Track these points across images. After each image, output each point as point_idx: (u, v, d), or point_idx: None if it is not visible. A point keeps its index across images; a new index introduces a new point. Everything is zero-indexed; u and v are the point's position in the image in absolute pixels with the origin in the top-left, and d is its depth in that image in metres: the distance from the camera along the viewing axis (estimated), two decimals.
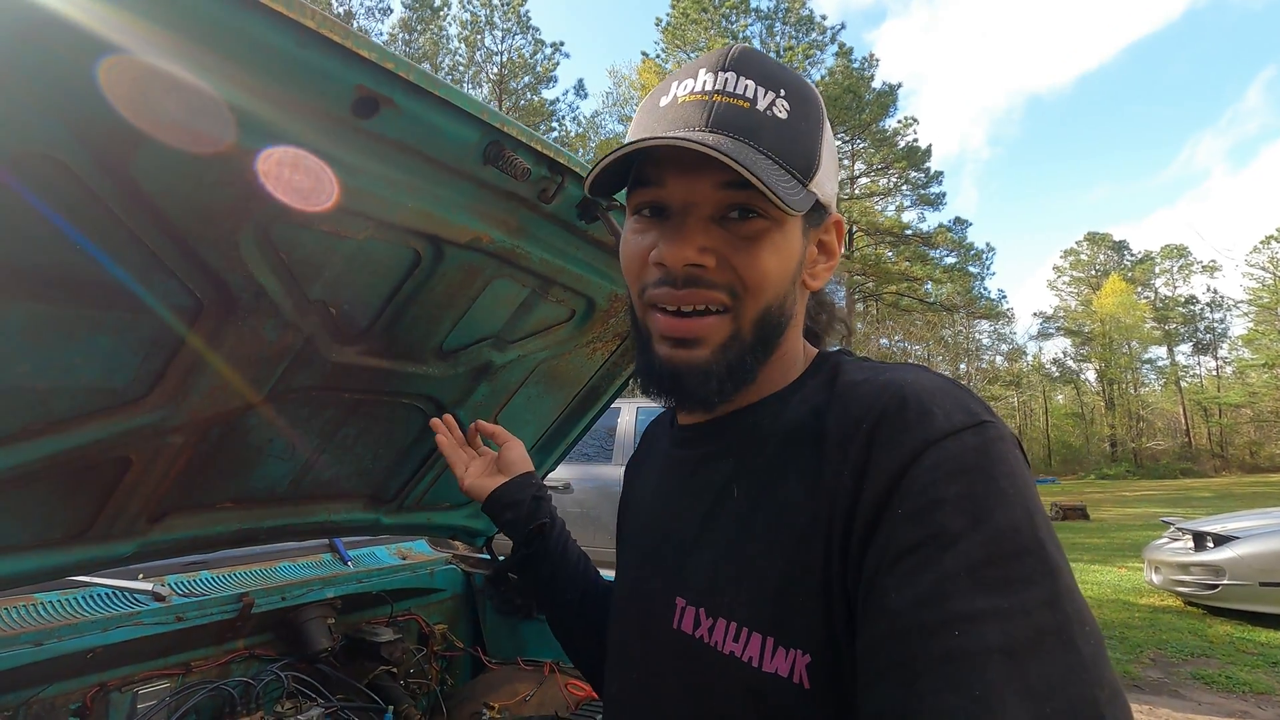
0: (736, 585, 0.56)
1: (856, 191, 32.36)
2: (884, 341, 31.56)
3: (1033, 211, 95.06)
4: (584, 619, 0.92)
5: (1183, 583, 5.80)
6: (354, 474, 1.41)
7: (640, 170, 0.60)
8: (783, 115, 0.57)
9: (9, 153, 0.64)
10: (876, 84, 28.63)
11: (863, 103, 28.47)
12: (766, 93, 0.57)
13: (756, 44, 24.68)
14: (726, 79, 0.57)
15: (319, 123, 0.77)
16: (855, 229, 31.19)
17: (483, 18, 27.92)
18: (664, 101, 0.59)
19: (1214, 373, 46.70)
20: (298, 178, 0.78)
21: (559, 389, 1.62)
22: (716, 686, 0.56)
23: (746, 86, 0.57)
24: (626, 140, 0.59)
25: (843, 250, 0.68)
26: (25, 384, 0.82)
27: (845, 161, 32.52)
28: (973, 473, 0.47)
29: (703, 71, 0.58)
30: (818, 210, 0.61)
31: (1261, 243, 35.72)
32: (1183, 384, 45.93)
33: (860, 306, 33.08)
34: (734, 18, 24.84)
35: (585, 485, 5.48)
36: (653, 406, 5.91)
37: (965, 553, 0.43)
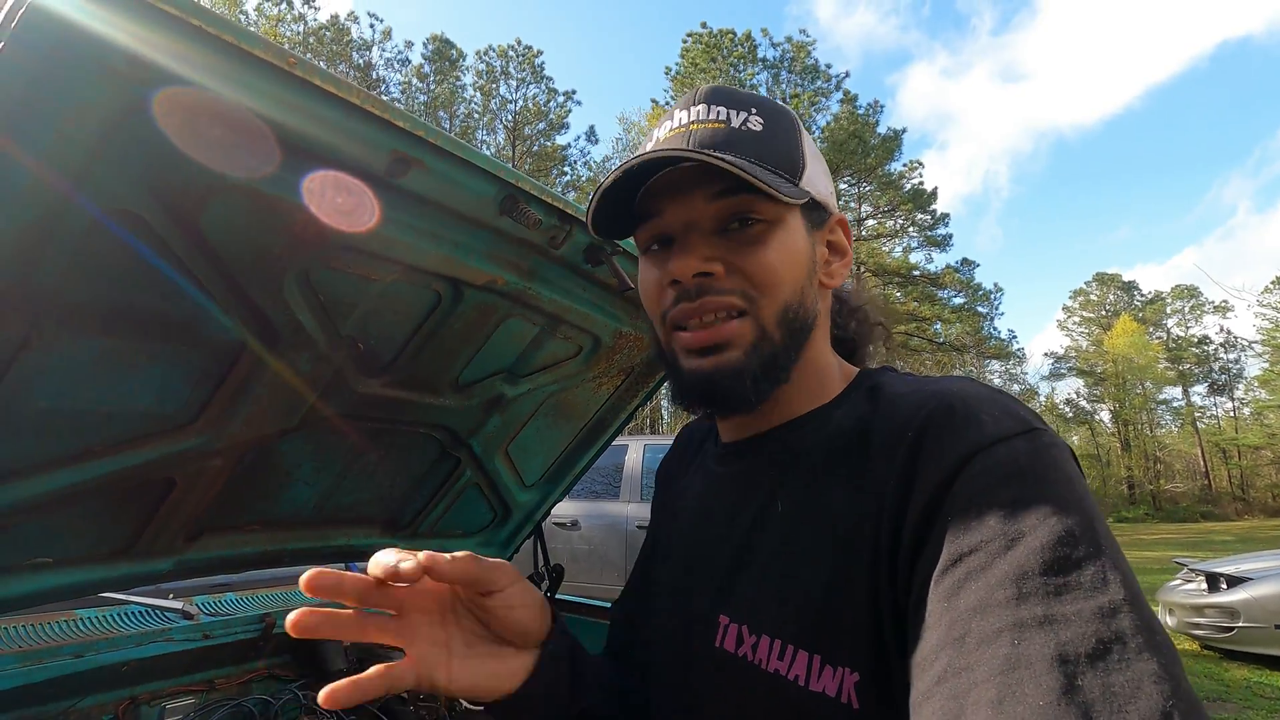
0: (781, 601, 0.55)
1: (864, 233, 32.68)
2: None
3: (1055, 251, 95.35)
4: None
5: (1198, 625, 5.69)
6: (373, 500, 1.50)
7: (640, 208, 0.63)
8: (758, 128, 0.60)
9: (100, 209, 0.76)
10: (894, 125, 29.17)
11: (868, 147, 28.99)
12: (739, 113, 0.61)
13: (763, 91, 25.38)
14: (699, 110, 0.61)
15: (359, 181, 0.89)
16: (863, 269, 31.43)
17: (498, 68, 28.93)
18: (648, 145, 0.63)
19: (1231, 414, 46.06)
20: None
21: (567, 421, 1.71)
22: (760, 707, 0.54)
23: (719, 112, 0.61)
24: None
25: (853, 246, 0.69)
26: (91, 409, 0.92)
27: (852, 205, 32.94)
28: (1026, 477, 0.45)
29: (678, 112, 0.63)
30: (817, 210, 0.63)
31: (1273, 283, 35.69)
32: (1200, 425, 45.24)
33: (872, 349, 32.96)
34: (741, 67, 25.62)
35: (593, 522, 5.51)
36: (661, 443, 5.98)
37: (1022, 558, 0.41)
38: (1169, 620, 6.13)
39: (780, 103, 0.65)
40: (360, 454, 1.35)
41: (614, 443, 1.90)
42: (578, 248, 1.21)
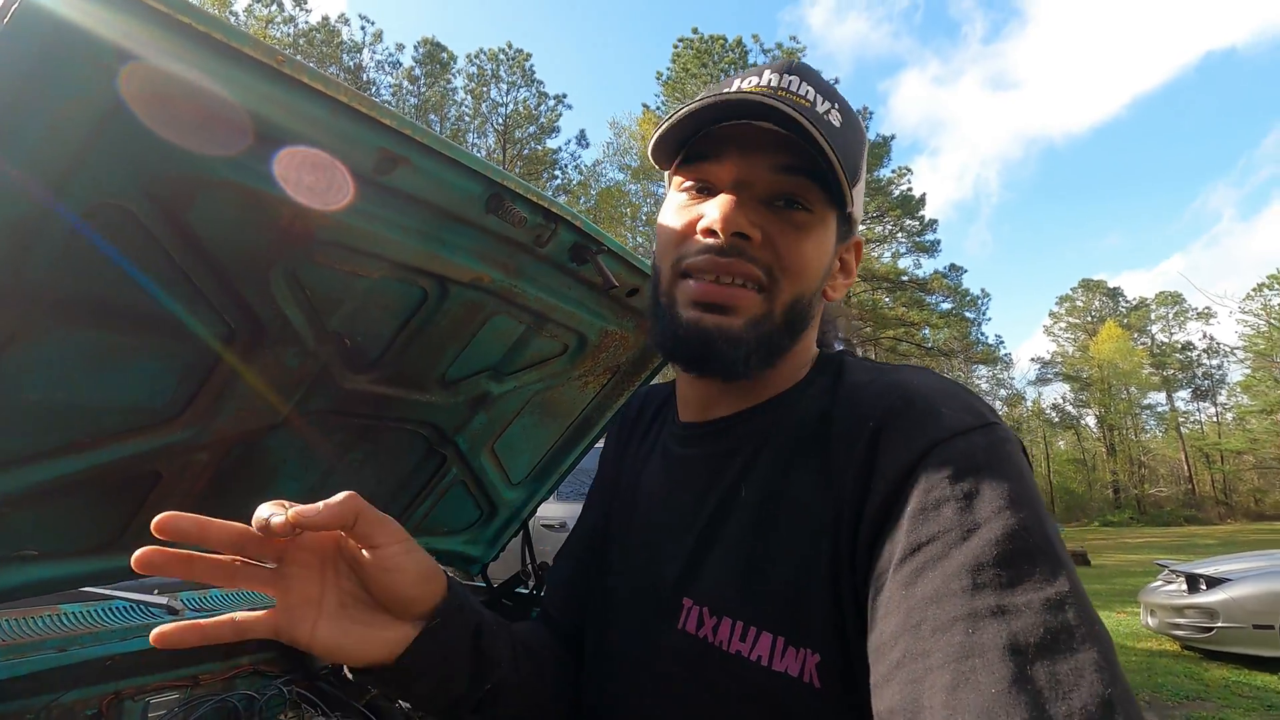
0: (746, 584, 0.56)
1: None
2: None
3: (1043, 257, 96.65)
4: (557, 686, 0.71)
5: (1178, 625, 5.78)
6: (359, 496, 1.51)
7: (699, 145, 0.60)
8: (837, 123, 0.60)
9: (88, 203, 0.77)
10: (883, 132, 29.41)
11: None
12: (824, 100, 0.60)
13: None
14: (790, 80, 0.59)
15: None
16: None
17: (489, 71, 28.96)
18: (728, 90, 0.60)
19: (1214, 419, 46.68)
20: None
21: (553, 419, 1.73)
22: (724, 687, 0.55)
23: (808, 91, 0.59)
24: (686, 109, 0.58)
25: (856, 270, 0.70)
26: (79, 402, 0.93)
27: None
28: (981, 472, 0.47)
29: (768, 71, 0.61)
30: (849, 224, 0.64)
31: (1254, 290, 36.25)
32: (1183, 430, 45.82)
33: (859, 352, 33.16)
34: (732, 72, 25.79)
35: None
36: None
37: (976, 550, 0.43)
38: (1150, 621, 6.21)
39: (853, 107, 0.64)
40: (347, 450, 1.36)
41: (603, 445, 1.93)
42: (563, 246, 1.23)
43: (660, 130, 0.61)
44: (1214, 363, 45.44)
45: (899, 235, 32.54)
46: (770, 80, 0.60)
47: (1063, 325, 50.15)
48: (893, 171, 32.65)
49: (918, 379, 0.56)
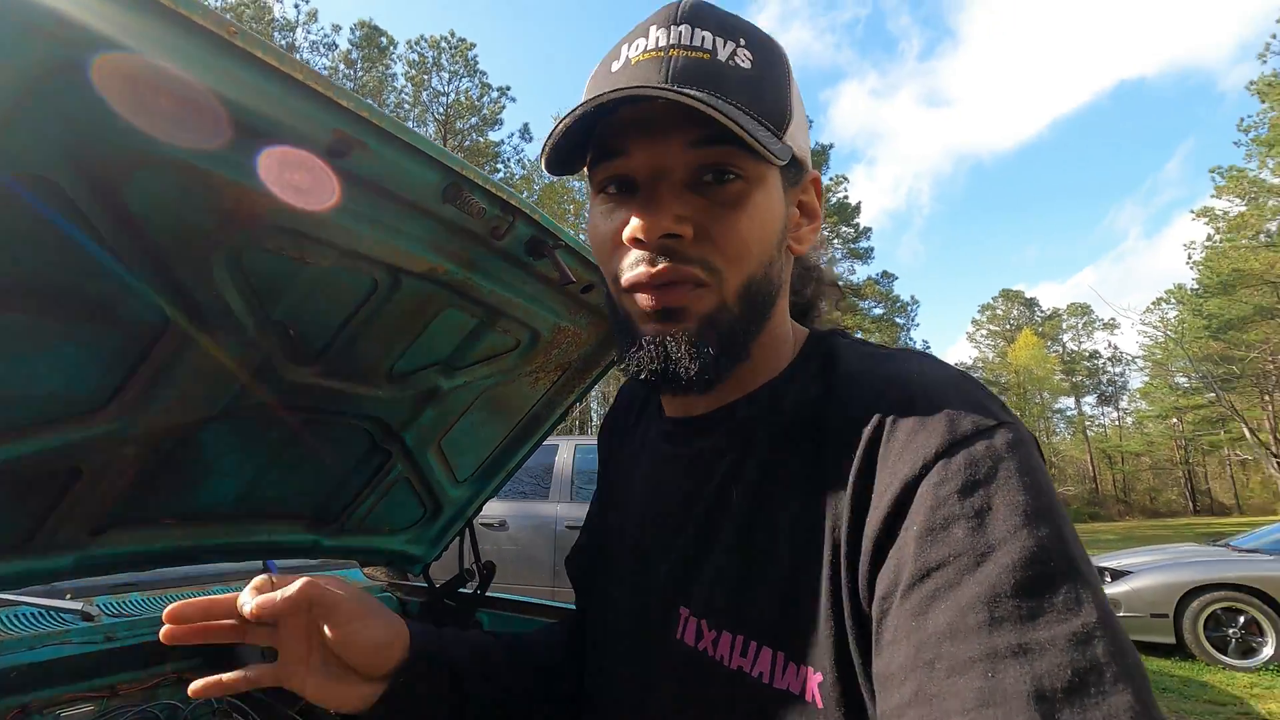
0: (741, 597, 0.53)
1: None
2: None
3: (969, 267, 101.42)
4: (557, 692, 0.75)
5: None
6: (298, 494, 1.44)
7: (601, 141, 0.55)
8: (746, 65, 0.53)
9: (9, 174, 0.71)
10: (822, 140, 30.18)
11: None
12: (726, 43, 0.53)
13: None
14: (680, 32, 0.52)
15: None
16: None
17: (430, 59, 28.22)
18: (615, 66, 0.54)
19: (1116, 423, 50.07)
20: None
21: (502, 416, 1.70)
22: (722, 702, 0.53)
23: (704, 38, 0.52)
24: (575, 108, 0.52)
25: (823, 210, 0.63)
26: None
27: None
28: (991, 485, 0.43)
29: (654, 29, 0.54)
30: (795, 167, 0.57)
31: (1154, 303, 39.06)
32: (1089, 433, 49.00)
33: None
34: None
35: (521, 523, 5.45)
36: (591, 443, 5.97)
37: (992, 578, 0.39)
38: None
39: (770, 35, 0.57)
40: (287, 445, 1.30)
41: (544, 442, 1.89)
42: (519, 240, 1.21)
43: (547, 149, 0.55)
44: (1117, 370, 48.84)
45: (835, 242, 33.49)
46: (659, 40, 0.53)
47: (984, 333, 52.79)
48: (830, 179, 33.60)
49: (918, 369, 0.52)
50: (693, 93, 0.49)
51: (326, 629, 0.58)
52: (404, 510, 1.74)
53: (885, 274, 34.87)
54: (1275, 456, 23.57)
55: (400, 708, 0.61)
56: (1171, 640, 5.57)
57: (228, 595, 0.58)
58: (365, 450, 1.46)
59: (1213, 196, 27.46)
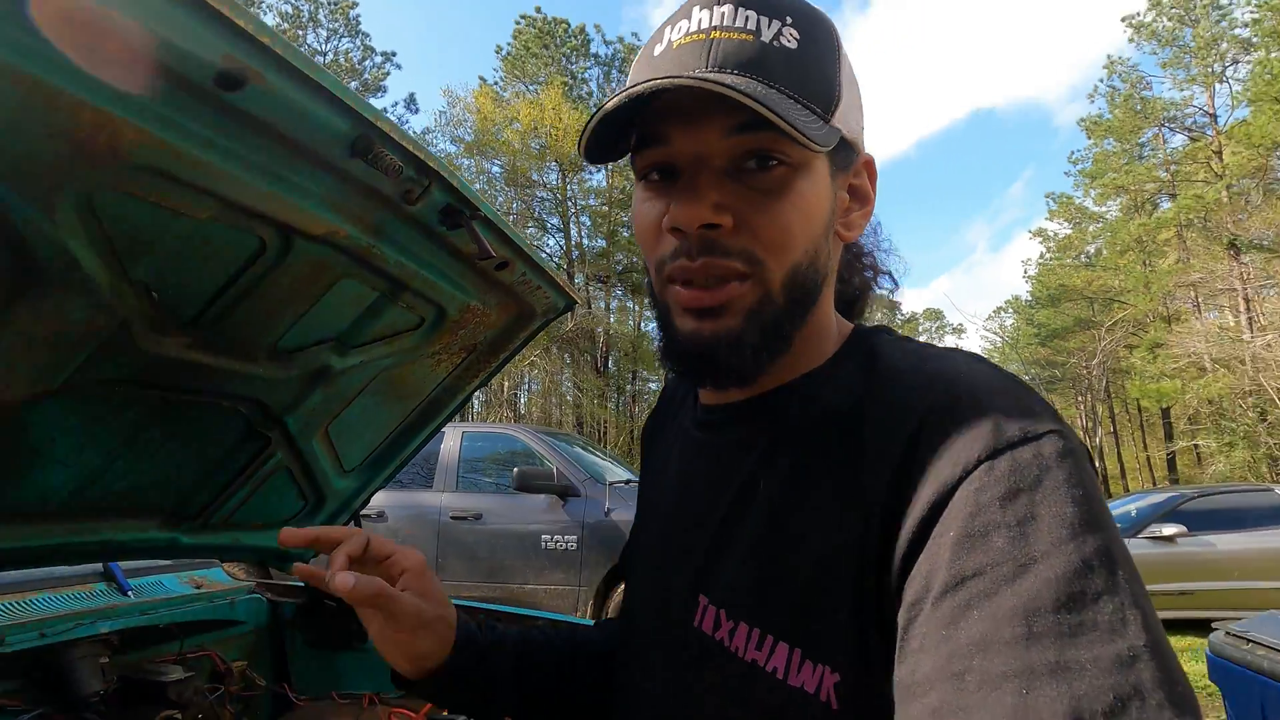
0: (761, 589, 0.52)
1: None
2: None
3: None
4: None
5: None
6: (152, 486, 1.24)
7: (643, 129, 0.54)
8: (792, 44, 0.52)
9: None
10: None
11: None
12: (771, 22, 0.52)
13: (593, 87, 25.56)
14: (723, 12, 0.52)
15: (176, 87, 0.72)
16: None
17: (305, 13, 26.06)
18: (658, 50, 0.54)
19: None
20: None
21: (399, 400, 1.56)
22: (736, 694, 0.52)
23: (747, 18, 0.52)
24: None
25: (875, 193, 0.61)
26: None
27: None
28: (1039, 490, 0.41)
29: (696, 9, 0.53)
30: (845, 150, 0.56)
31: (994, 312, 43.50)
32: None
33: None
34: (573, 59, 25.59)
35: (401, 513, 5.18)
36: (479, 430, 5.77)
37: (1032, 589, 0.37)
38: None
39: (819, 10, 0.56)
40: (142, 429, 1.12)
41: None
42: (434, 207, 1.10)
43: (584, 139, 0.54)
44: None
45: None
46: (701, 22, 0.52)
47: None
48: None
49: (966, 369, 0.50)
50: (727, 79, 0.48)
51: (379, 626, 0.62)
52: (281, 503, 1.56)
53: None
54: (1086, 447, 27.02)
55: (454, 694, 0.68)
56: None
57: (337, 532, 0.63)
58: (239, 436, 1.29)
59: (1046, 219, 30.99)
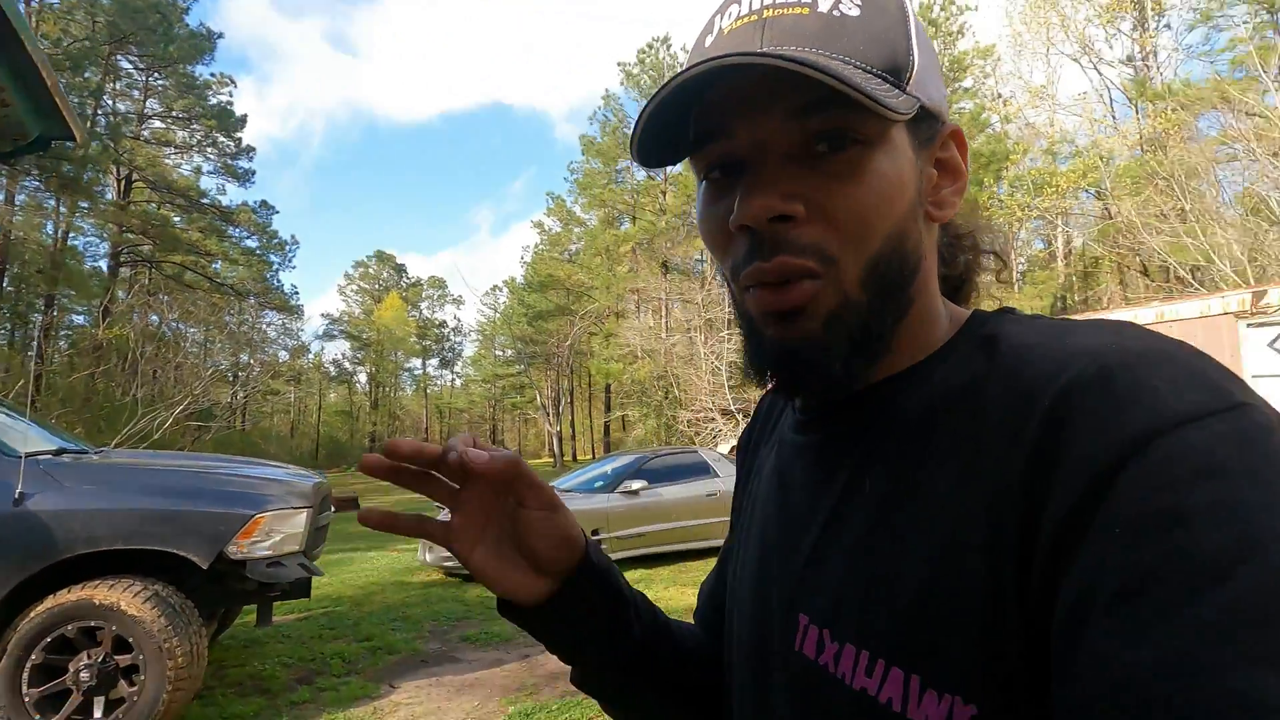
0: (868, 604, 0.45)
1: (146, 134, 26.91)
2: (154, 318, 26.69)
3: (350, 221, 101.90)
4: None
5: (446, 557, 6.82)
6: None
7: (699, 124, 0.49)
8: (854, 12, 0.48)
9: None
10: (211, 25, 25.01)
11: (172, 33, 24.10)
12: None
13: None
14: None
15: None
16: (136, 178, 25.82)
17: None
18: (709, 41, 0.50)
19: (450, 383, 59.15)
20: None
21: None
22: None
23: None
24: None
25: (968, 166, 0.55)
26: None
27: (136, 94, 26.72)
28: (1230, 474, 0.33)
29: None
30: (927, 120, 0.51)
31: (491, 290, 47.66)
32: (429, 390, 56.37)
33: (128, 272, 27.38)
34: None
35: None
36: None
37: (1233, 598, 0.30)
38: (427, 556, 7.12)
39: None
40: None
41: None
42: None
43: (635, 143, 0.50)
44: (457, 340, 57.62)
45: (209, 150, 28.44)
46: (753, 3, 0.48)
47: (354, 288, 54.08)
48: (213, 76, 28.47)
49: (1116, 340, 0.40)
50: (781, 51, 0.44)
51: (527, 503, 0.55)
52: None
53: (265, 204, 31.40)
54: (549, 416, 32.16)
55: (565, 613, 0.58)
56: None
57: (437, 446, 0.53)
58: None
59: (544, 214, 35.67)
